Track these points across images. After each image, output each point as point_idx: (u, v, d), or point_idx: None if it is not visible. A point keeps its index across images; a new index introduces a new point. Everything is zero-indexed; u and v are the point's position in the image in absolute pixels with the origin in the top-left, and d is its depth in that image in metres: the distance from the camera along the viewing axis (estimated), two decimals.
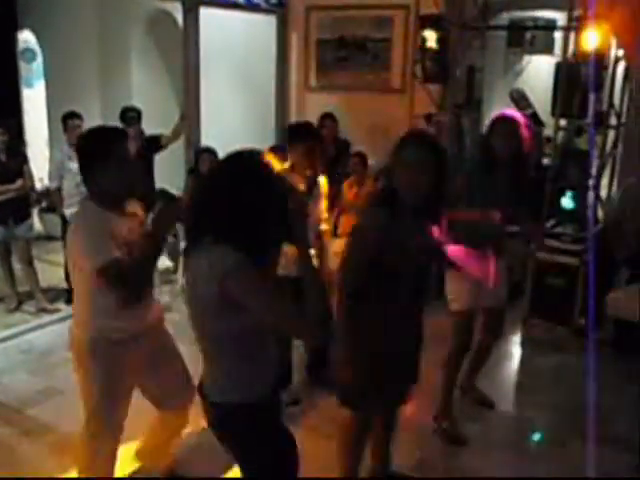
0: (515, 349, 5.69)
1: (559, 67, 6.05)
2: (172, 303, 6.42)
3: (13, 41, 8.15)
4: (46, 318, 6.00)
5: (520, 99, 7.74)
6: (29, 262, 6.30)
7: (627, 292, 5.40)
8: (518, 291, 6.10)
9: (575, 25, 5.79)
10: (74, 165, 6.35)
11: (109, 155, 2.91)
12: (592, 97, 5.66)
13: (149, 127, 6.74)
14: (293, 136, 4.27)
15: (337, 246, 4.19)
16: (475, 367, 4.56)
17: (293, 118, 7.88)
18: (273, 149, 7.12)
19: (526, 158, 4.00)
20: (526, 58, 8.37)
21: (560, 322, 5.72)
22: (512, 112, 4.20)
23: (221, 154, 6.44)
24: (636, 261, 5.57)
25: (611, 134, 6.02)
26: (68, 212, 6.44)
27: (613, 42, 5.54)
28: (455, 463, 3.96)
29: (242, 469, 2.51)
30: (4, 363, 5.10)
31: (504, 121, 4.00)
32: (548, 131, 6.98)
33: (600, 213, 5.96)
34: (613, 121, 5.96)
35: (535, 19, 7.78)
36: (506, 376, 5.23)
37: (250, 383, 2.36)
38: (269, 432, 2.45)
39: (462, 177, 4.01)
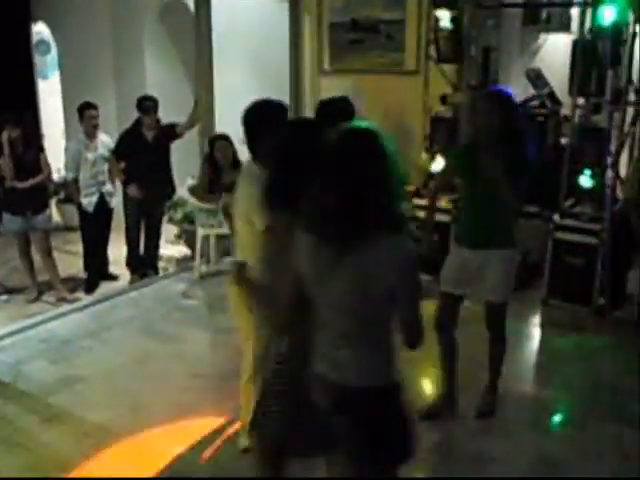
0: (534, 330, 5.65)
1: (576, 44, 5.96)
2: (189, 290, 6.46)
3: (27, 33, 8.18)
4: (66, 307, 6.05)
5: (536, 78, 7.63)
6: (48, 252, 6.35)
7: None
8: (537, 272, 6.07)
9: (591, 2, 5.70)
10: (90, 155, 6.44)
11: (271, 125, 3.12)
12: (610, 73, 5.60)
13: (165, 116, 6.74)
14: (332, 111, 4.23)
15: None
16: (489, 364, 4.26)
17: (307, 102, 7.85)
18: None
19: (517, 135, 3.76)
20: (542, 36, 8.23)
21: (580, 302, 5.66)
22: (497, 89, 4.08)
23: (235, 140, 6.47)
24: None
25: (630, 111, 5.92)
26: (85, 201, 6.51)
27: (631, 16, 5.44)
28: (472, 447, 3.92)
29: (366, 453, 2.40)
30: (25, 352, 5.15)
31: (482, 98, 3.92)
32: (565, 110, 6.89)
33: (619, 191, 5.87)
34: (632, 97, 5.85)
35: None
36: (526, 357, 5.19)
37: (396, 365, 2.40)
38: (406, 412, 2.44)
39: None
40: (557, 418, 4.37)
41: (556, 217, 5.83)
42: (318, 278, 2.33)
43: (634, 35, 5.59)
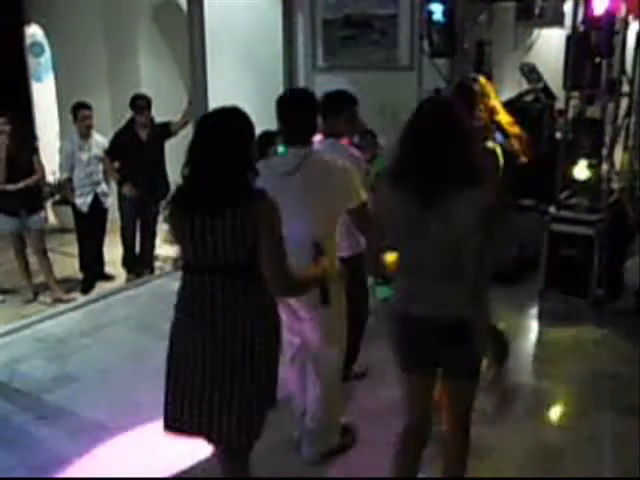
0: (532, 322, 5.63)
1: (569, 38, 5.96)
2: None
3: (21, 36, 8.17)
4: (61, 307, 6.03)
5: (530, 73, 7.64)
6: (43, 253, 6.34)
7: None
8: (533, 265, 6.06)
9: None
10: (84, 155, 6.42)
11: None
12: (604, 64, 5.59)
13: (159, 114, 6.73)
14: (337, 104, 4.14)
15: None
16: None
17: None
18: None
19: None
20: (536, 31, 8.25)
21: (577, 293, 5.64)
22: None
23: None
24: None
25: (624, 102, 5.91)
26: (79, 202, 6.49)
27: (623, 6, 5.43)
28: (473, 436, 3.89)
29: (464, 380, 2.83)
30: (21, 351, 5.13)
31: None
32: (560, 104, 6.89)
33: (614, 182, 5.86)
34: (626, 88, 5.84)
35: None
36: (524, 348, 5.18)
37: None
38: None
39: None
40: (556, 408, 4.35)
41: (552, 209, 5.82)
42: (410, 228, 2.69)
43: (626, 25, 5.60)
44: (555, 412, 4.33)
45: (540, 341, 5.37)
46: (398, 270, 2.86)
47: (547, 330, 5.48)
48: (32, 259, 6.40)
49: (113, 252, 6.99)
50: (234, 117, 2.61)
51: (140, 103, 6.57)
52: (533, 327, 5.58)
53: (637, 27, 5.91)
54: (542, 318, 5.66)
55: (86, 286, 6.63)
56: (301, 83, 7.87)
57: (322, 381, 3.58)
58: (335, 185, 3.28)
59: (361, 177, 3.99)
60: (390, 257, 2.98)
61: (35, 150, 6.35)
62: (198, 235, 2.54)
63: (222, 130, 2.57)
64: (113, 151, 6.56)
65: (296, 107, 3.32)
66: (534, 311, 5.73)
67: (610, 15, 5.42)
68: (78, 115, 6.41)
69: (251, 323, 2.58)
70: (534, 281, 5.92)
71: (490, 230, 2.63)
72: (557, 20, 7.70)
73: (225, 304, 2.57)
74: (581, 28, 5.74)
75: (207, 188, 2.54)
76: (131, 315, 5.80)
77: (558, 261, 5.75)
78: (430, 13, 6.31)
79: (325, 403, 3.61)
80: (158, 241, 7.07)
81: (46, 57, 8.31)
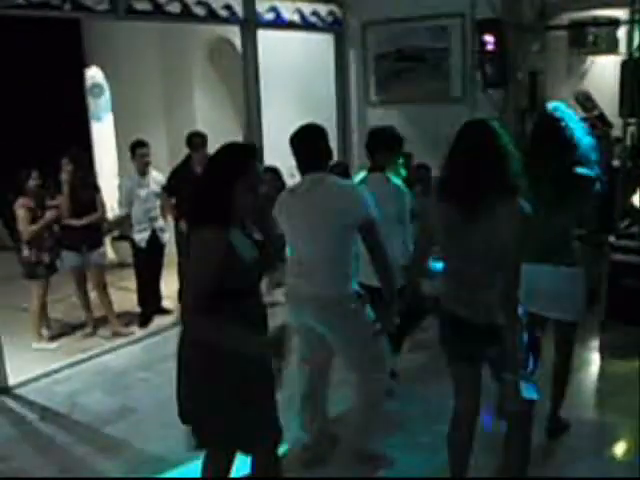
0: (594, 355, 5.48)
1: (624, 65, 5.89)
2: None
3: (82, 78, 8.44)
4: (120, 340, 6.13)
5: (585, 101, 7.56)
6: (103, 288, 6.46)
7: None
8: (593, 297, 5.90)
9: (638, 19, 5.63)
10: (143, 192, 6.56)
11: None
12: None
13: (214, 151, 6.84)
14: (385, 140, 4.48)
15: None
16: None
17: (355, 134, 7.90)
18: (337, 166, 7.17)
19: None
20: (589, 59, 8.17)
21: (639, 324, 5.47)
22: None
23: (285, 173, 6.51)
24: None
25: None
26: (138, 237, 6.62)
27: None
28: (535, 472, 3.78)
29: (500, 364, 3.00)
30: (80, 384, 5.22)
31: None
32: (617, 132, 6.78)
33: None
34: None
35: (596, 18, 7.59)
36: (586, 382, 5.05)
37: None
38: None
39: None
40: (621, 443, 4.21)
41: (612, 238, 5.69)
42: (453, 238, 3.02)
43: None
44: (620, 447, 4.19)
45: (602, 374, 5.22)
46: (444, 274, 3.18)
47: (609, 363, 5.33)
48: (92, 294, 6.54)
49: (170, 287, 7.09)
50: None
51: (196, 140, 6.69)
52: (595, 360, 5.42)
53: None
54: (604, 350, 5.50)
55: (144, 320, 6.72)
56: (354, 117, 7.95)
57: None
58: (342, 200, 3.52)
59: (405, 207, 4.15)
60: None
61: (96, 187, 6.52)
62: None
63: None
64: (170, 187, 6.69)
65: (302, 140, 3.62)
66: (596, 344, 5.58)
67: None
68: (136, 153, 6.58)
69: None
70: (595, 313, 5.77)
71: (522, 241, 2.89)
72: (611, 47, 7.62)
73: None
74: (636, 54, 5.68)
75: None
76: None
77: (619, 292, 5.59)
78: (482, 44, 6.31)
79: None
80: None
81: (105, 98, 8.56)
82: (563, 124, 3.68)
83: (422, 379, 4.95)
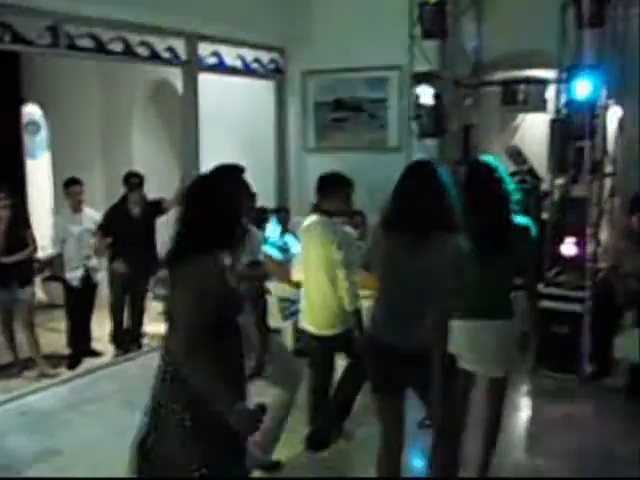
0: (524, 399, 5.59)
1: (553, 123, 6.17)
2: None
3: (18, 114, 8.31)
4: (47, 381, 5.94)
5: (516, 155, 7.84)
6: (31, 327, 6.29)
7: (632, 335, 5.33)
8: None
9: (565, 78, 5.92)
10: (75, 229, 6.49)
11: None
12: (587, 145, 5.75)
13: (151, 191, 6.82)
14: (332, 185, 4.50)
15: None
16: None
17: (293, 179, 7.98)
18: (277, 211, 7.21)
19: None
20: (520, 116, 8.51)
21: (568, 370, 5.63)
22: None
23: None
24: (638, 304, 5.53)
25: (608, 182, 6.07)
26: (70, 276, 6.49)
27: (603, 90, 5.65)
28: None
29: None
30: (3, 425, 5.01)
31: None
32: (546, 185, 7.04)
33: (601, 260, 5.95)
34: (609, 169, 6.01)
35: (527, 78, 7.93)
36: (517, 426, 5.12)
37: None
38: None
39: None
40: None
41: (540, 286, 5.85)
42: (393, 265, 3.20)
43: (606, 108, 5.80)
44: None
45: (532, 418, 5.32)
46: (379, 302, 3.33)
47: (539, 407, 5.43)
48: (19, 334, 6.34)
49: (101, 328, 6.94)
50: None
51: (133, 180, 6.66)
52: (525, 404, 5.53)
53: (617, 110, 6.13)
54: (534, 395, 5.62)
55: (73, 362, 6.54)
56: (292, 163, 8.03)
57: None
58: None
59: (352, 252, 4.22)
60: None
61: (28, 224, 6.39)
62: None
63: None
64: (105, 227, 6.61)
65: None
66: (525, 388, 5.70)
67: (591, 99, 5.63)
68: (69, 190, 6.52)
69: None
70: (524, 359, 5.89)
71: (459, 275, 3.06)
72: (540, 105, 7.94)
73: None
74: (564, 111, 5.95)
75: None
76: (117, 390, 5.69)
77: (548, 338, 5.75)
78: (418, 96, 6.51)
79: None
80: (146, 318, 7.03)
81: (42, 135, 8.45)
82: (498, 175, 3.75)
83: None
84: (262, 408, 2.60)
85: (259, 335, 4.47)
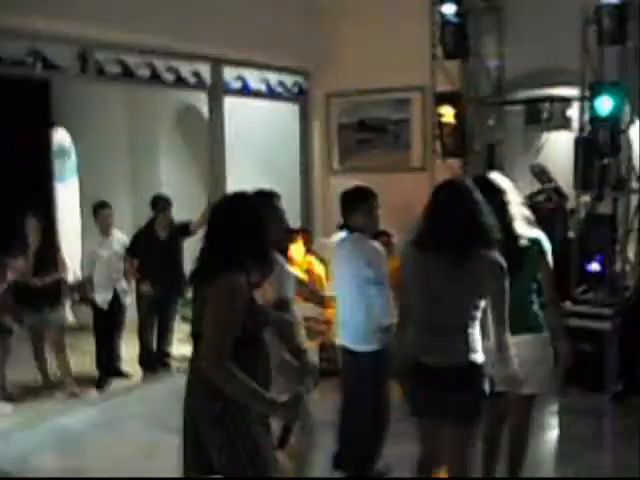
0: (552, 419, 5.53)
1: (577, 141, 6.16)
2: None
3: (48, 140, 8.49)
4: (76, 402, 6.01)
5: (541, 174, 7.80)
6: (62, 349, 6.37)
7: None
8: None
9: (588, 96, 5.92)
10: (105, 253, 6.57)
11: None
12: (611, 162, 5.73)
13: (178, 214, 6.91)
14: (355, 198, 4.40)
15: None
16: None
17: (317, 201, 8.03)
18: (302, 231, 7.24)
19: None
20: (545, 134, 8.49)
21: (595, 389, 5.57)
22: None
23: None
24: None
25: (634, 198, 6.03)
26: (99, 298, 6.58)
27: (627, 105, 5.64)
28: None
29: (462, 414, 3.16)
30: (33, 444, 5.05)
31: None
32: (572, 203, 7.00)
33: (629, 277, 5.90)
34: (634, 185, 5.98)
35: (550, 96, 7.93)
36: (546, 445, 5.08)
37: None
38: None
39: None
40: None
41: (568, 304, 5.82)
42: (430, 284, 3.17)
43: (631, 123, 5.78)
44: None
45: (561, 437, 5.26)
46: (414, 323, 3.28)
47: (568, 426, 5.37)
48: (50, 355, 6.43)
49: (130, 350, 7.01)
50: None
51: (160, 204, 6.76)
52: (553, 424, 5.47)
53: None
54: (562, 414, 5.56)
55: (102, 383, 6.61)
56: (317, 185, 8.08)
57: None
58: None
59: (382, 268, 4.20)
60: None
61: (58, 248, 6.51)
62: None
63: None
64: (133, 250, 6.70)
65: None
66: (554, 408, 5.64)
67: (614, 115, 5.62)
68: (98, 213, 6.63)
69: None
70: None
71: (502, 287, 3.11)
72: (564, 123, 7.93)
73: None
74: (588, 127, 5.94)
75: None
76: (146, 412, 5.74)
77: (576, 356, 5.67)
78: (441, 116, 6.55)
79: None
80: (174, 339, 7.09)
81: (71, 160, 8.62)
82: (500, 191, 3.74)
83: None
84: (298, 396, 2.74)
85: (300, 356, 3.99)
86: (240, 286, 2.64)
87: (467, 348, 3.12)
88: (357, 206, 4.38)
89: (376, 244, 4.40)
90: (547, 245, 3.64)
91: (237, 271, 2.66)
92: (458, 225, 3.09)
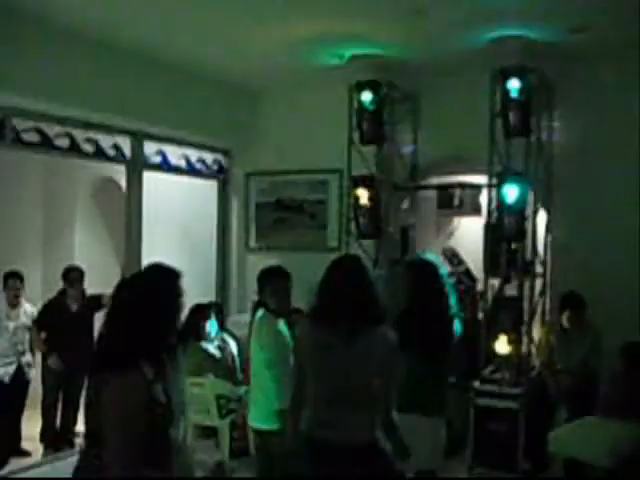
0: None
1: (486, 226, 6.43)
2: None
3: None
4: None
5: (452, 257, 8.05)
6: None
7: (566, 429, 5.41)
8: (461, 443, 6.05)
9: (496, 184, 6.22)
10: (11, 324, 6.37)
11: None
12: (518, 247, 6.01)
13: (91, 286, 6.78)
14: (270, 277, 4.56)
15: None
16: None
17: (234, 278, 8.05)
18: (216, 305, 7.20)
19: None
20: (456, 219, 8.81)
21: (505, 467, 5.64)
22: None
23: None
24: (572, 400, 5.66)
25: (539, 281, 6.31)
26: (1, 371, 6.31)
27: (531, 194, 5.95)
28: None
29: None
30: None
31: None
32: (481, 286, 7.24)
33: (534, 356, 6.10)
34: (539, 269, 6.26)
35: (461, 183, 8.28)
36: None
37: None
38: None
39: None
40: None
41: (476, 383, 5.95)
42: (326, 359, 3.13)
43: (535, 211, 6.10)
44: None
45: None
46: (310, 398, 3.23)
47: None
48: None
49: (32, 427, 6.70)
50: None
51: (73, 275, 6.64)
52: None
53: (545, 214, 6.45)
54: None
55: None
56: (234, 262, 8.11)
57: None
58: None
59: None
60: None
61: None
62: None
63: None
64: (41, 321, 6.51)
65: None
66: None
67: (520, 204, 5.91)
68: (8, 284, 6.43)
69: None
70: (462, 457, 5.90)
71: (396, 365, 3.18)
72: (474, 209, 8.27)
73: None
74: (494, 216, 6.21)
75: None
76: None
77: (485, 435, 5.79)
78: (357, 198, 6.72)
79: None
80: (80, 416, 6.83)
81: None
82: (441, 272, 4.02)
83: None
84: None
85: None
86: (132, 389, 2.43)
87: (366, 424, 3.12)
88: (269, 285, 4.52)
89: (279, 326, 4.41)
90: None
91: (130, 368, 2.44)
92: (351, 299, 3.13)
